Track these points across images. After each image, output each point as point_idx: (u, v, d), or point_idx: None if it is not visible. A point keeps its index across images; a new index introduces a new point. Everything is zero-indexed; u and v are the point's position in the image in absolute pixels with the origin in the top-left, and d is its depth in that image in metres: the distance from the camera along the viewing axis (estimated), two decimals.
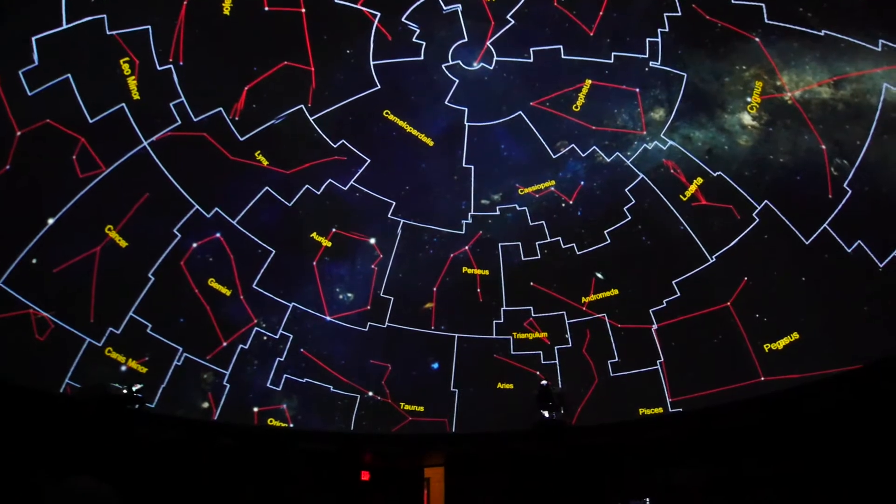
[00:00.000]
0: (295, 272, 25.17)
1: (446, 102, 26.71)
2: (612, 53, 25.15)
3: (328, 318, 25.13)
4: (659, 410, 24.48)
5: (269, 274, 24.59)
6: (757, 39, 21.67)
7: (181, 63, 22.61)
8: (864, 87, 20.23)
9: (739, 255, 23.77)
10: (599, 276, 27.06)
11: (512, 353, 25.87)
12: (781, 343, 22.50)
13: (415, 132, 26.64)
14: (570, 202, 26.70)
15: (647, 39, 24.24)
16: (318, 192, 25.79)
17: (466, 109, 26.93)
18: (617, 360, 25.96)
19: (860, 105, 20.42)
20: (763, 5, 21.33)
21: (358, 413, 24.35)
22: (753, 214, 23.09)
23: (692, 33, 23.25)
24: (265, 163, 24.56)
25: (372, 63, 25.48)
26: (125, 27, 21.34)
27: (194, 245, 23.54)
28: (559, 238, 26.95)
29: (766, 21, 21.48)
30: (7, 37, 19.34)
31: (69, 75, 20.59)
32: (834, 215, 21.11)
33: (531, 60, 26.19)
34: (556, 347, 26.10)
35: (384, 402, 24.43)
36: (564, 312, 26.71)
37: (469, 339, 25.86)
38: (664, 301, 25.50)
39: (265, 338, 24.25)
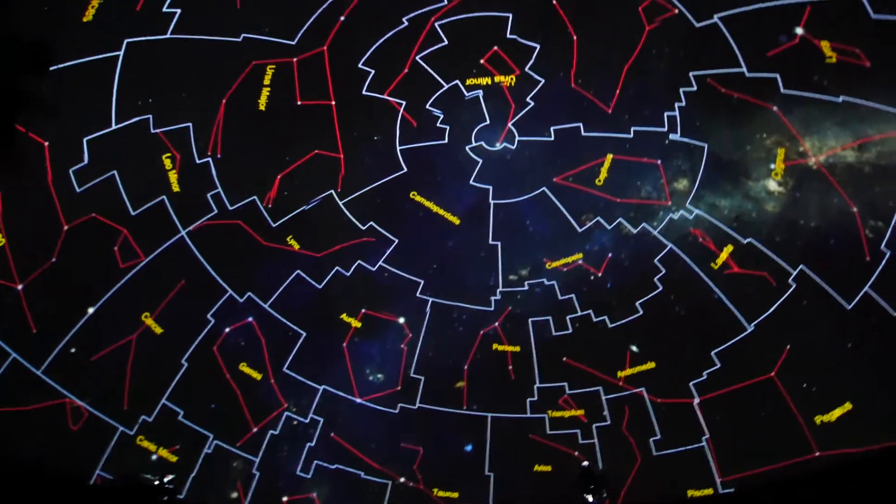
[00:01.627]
0: (325, 354, 25.11)
1: (471, 182, 26.94)
2: (632, 128, 25.52)
3: (358, 399, 24.76)
4: (709, 491, 22.96)
5: (299, 357, 24.59)
6: (775, 108, 22.08)
7: (219, 156, 23.87)
8: (889, 148, 20.34)
9: (779, 322, 23.08)
10: (634, 349, 26.35)
11: (548, 432, 24.81)
12: (835, 414, 21.55)
13: (441, 211, 26.77)
14: (599, 274, 26.31)
15: (666, 113, 24.66)
16: (348, 274, 25.96)
17: (491, 187, 27.10)
18: (659, 437, 24.72)
19: (888, 166, 20.48)
20: (777, 76, 21.77)
21: (390, 500, 23.40)
22: (789, 280, 22.69)
23: (710, 105, 23.61)
24: (297, 247, 25.16)
25: (399, 147, 26.24)
26: (168, 125, 22.82)
27: (227, 330, 23.77)
28: (590, 311, 26.35)
29: (781, 91, 21.92)
30: (60, 138, 20.80)
31: (115, 171, 21.88)
32: (875, 278, 20.65)
33: (552, 139, 26.49)
34: (593, 425, 24.99)
35: (416, 488, 23.55)
36: (601, 388, 25.78)
37: (503, 418, 25.01)
38: (704, 373, 24.49)
39: (295, 422, 23.89)
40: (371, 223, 26.50)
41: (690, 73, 23.79)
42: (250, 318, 23.92)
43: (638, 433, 24.94)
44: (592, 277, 26.40)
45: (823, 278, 21.72)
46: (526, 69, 26.24)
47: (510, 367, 26.17)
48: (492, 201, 27.20)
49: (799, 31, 21.44)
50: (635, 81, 25.22)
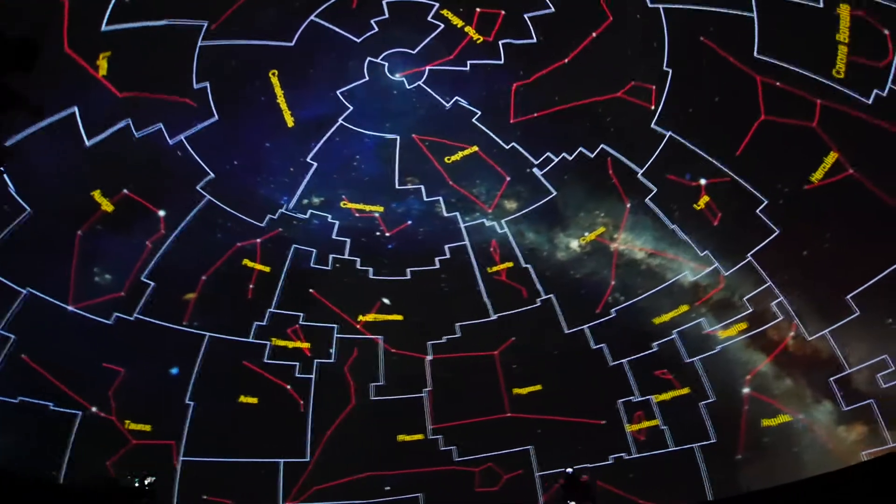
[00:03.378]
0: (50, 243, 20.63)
1: (337, 91, 24.50)
2: (513, 144, 25.01)
3: (71, 307, 21.18)
4: (420, 436, 24.89)
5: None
6: (628, 205, 23.87)
7: None
8: (670, 265, 23.56)
9: (515, 321, 25.40)
10: (386, 301, 26.34)
11: (265, 360, 24.19)
12: (526, 390, 25.16)
13: (283, 104, 23.76)
14: (387, 234, 26.01)
15: (562, 154, 24.42)
16: (136, 136, 21.12)
17: (352, 108, 24.94)
18: (382, 383, 25.71)
19: (650, 271, 24.32)
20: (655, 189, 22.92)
21: (77, 435, 20.66)
22: (538, 300, 25.07)
23: (589, 173, 24.31)
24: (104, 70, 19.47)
25: (307, 19, 22.52)
26: None
27: None
28: (357, 258, 25.60)
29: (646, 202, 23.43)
30: None
31: None
32: (594, 323, 24.21)
33: (447, 105, 25.14)
34: (315, 360, 24.90)
35: (108, 418, 21.53)
36: (336, 326, 25.59)
37: (222, 340, 23.68)
38: (444, 337, 25.78)
39: None
40: (206, 84, 22.09)
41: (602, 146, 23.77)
42: None
43: (360, 377, 25.89)
44: (378, 233, 26.25)
45: (562, 308, 24.63)
46: (499, 42, 23.39)
47: (251, 286, 24.63)
48: (340, 120, 25.26)
49: None
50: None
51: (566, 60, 21.92)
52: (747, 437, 20.53)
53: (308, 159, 24.88)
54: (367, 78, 24.61)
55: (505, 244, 25.79)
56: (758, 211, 19.33)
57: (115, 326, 21.44)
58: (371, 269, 25.72)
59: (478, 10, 23.00)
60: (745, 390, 20.99)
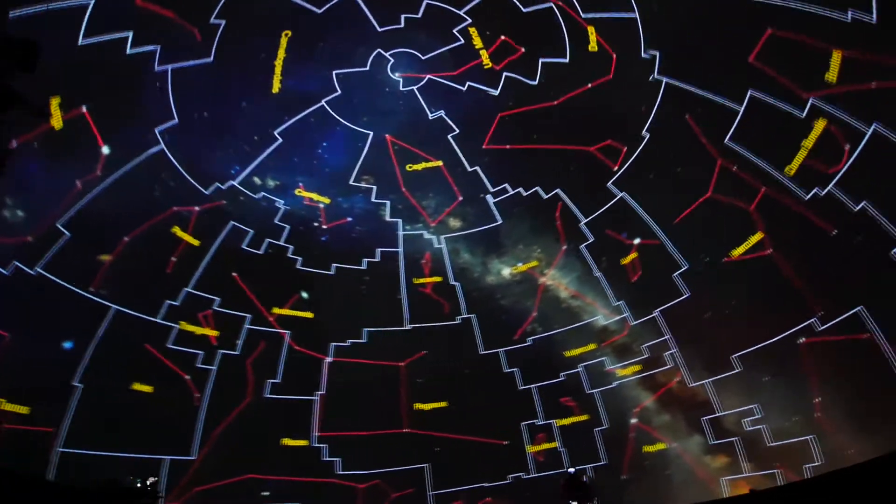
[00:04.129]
0: None
1: (334, 72, 23.84)
2: (476, 168, 25.59)
3: None
4: (304, 442, 23.99)
5: None
6: (564, 247, 25.58)
7: None
8: (587, 308, 25.95)
9: (430, 334, 25.85)
10: (304, 295, 25.25)
11: (168, 345, 21.96)
12: (429, 406, 25.70)
13: (279, 68, 22.58)
14: (325, 226, 25.35)
15: (518, 189, 25.39)
16: (128, 52, 18.87)
17: (339, 93, 24.25)
18: (279, 381, 24.49)
19: (568, 310, 26.59)
20: (592, 239, 24.74)
21: None
22: (458, 318, 26.04)
23: (539, 214, 25.50)
24: None
25: None
26: None
27: None
28: (291, 246, 24.46)
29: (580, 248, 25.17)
30: None
31: None
32: (511, 346, 25.66)
33: (431, 116, 25.15)
34: (220, 351, 23.18)
35: None
36: (250, 316, 23.97)
37: (128, 315, 20.95)
38: (348, 341, 25.44)
39: None
40: (223, 22, 20.66)
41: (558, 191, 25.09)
42: None
43: (260, 372, 24.34)
44: (316, 224, 25.63)
45: (480, 329, 25.76)
46: (504, 73, 23.77)
47: (174, 259, 22.28)
48: (324, 102, 24.42)
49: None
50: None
51: (555, 103, 23.13)
52: (632, 460, 23.45)
53: (276, 132, 23.61)
54: (368, 68, 24.17)
55: (438, 259, 26.32)
56: (675, 274, 22.20)
57: (10, 278, 18.09)
58: (301, 259, 24.78)
59: (502, 37, 23.58)
60: (633, 420, 24.02)
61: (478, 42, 23.09)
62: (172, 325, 22.01)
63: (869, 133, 15.81)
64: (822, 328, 18.55)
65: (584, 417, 24.46)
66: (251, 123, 23.13)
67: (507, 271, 26.91)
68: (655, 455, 23.04)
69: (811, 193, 18.35)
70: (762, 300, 20.51)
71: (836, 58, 15.42)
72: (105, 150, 19.64)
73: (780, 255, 19.65)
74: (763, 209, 19.88)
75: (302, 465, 23.50)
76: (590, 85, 22.09)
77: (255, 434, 23.28)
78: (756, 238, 20.25)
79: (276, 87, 22.71)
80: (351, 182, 25.28)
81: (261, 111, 23.11)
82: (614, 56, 21.44)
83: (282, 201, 24.19)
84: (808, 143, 17.67)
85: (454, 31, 23.22)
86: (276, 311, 24.69)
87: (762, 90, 17.83)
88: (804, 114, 17.30)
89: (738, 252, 20.76)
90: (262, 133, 23.18)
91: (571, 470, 20.51)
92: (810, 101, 16.89)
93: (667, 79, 20.42)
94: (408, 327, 25.83)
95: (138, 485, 16.95)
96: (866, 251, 17.15)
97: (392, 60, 24.27)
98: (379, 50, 23.86)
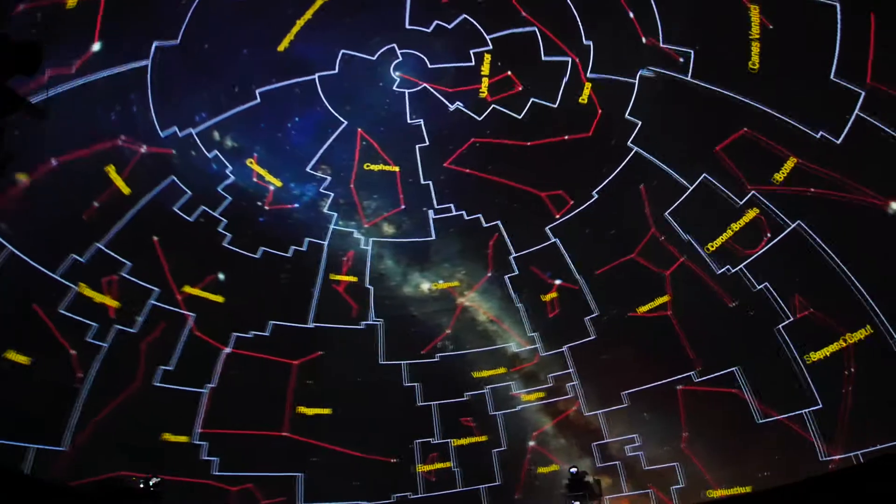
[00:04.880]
0: None
1: (342, 51, 23.45)
2: (429, 182, 25.95)
3: None
4: (184, 438, 21.93)
5: None
6: (489, 273, 26.91)
7: None
8: (502, 333, 27.14)
9: (331, 337, 25.35)
10: (221, 276, 23.11)
11: (60, 310, 18.93)
12: (313, 412, 24.63)
13: (296, 28, 21.63)
14: (266, 208, 24.04)
15: (463, 211, 26.14)
16: None
17: (336, 72, 23.62)
18: (172, 368, 22.07)
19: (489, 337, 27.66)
20: (518, 272, 26.35)
21: None
22: (363, 323, 26.07)
23: (468, 237, 26.43)
24: None
25: None
26: None
27: None
28: (225, 221, 22.76)
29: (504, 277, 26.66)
30: None
31: None
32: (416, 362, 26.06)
33: (408, 121, 25.01)
34: (115, 326, 20.55)
35: None
36: (158, 291, 21.47)
37: (21, 263, 17.60)
38: (251, 332, 23.94)
39: None
40: None
41: (498, 223, 26.23)
42: None
43: (154, 355, 21.74)
44: (260, 203, 24.22)
45: (386, 338, 25.92)
46: (493, 105, 24.42)
47: (96, 204, 19.27)
48: (316, 75, 23.59)
49: None
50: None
51: (528, 144, 24.30)
52: (525, 481, 24.77)
53: (258, 91, 22.28)
54: (374, 58, 23.77)
55: (360, 259, 26.11)
56: (586, 318, 24.45)
57: None
58: (230, 236, 23.06)
59: (509, 72, 24.19)
60: (531, 443, 25.44)
61: (486, 69, 23.72)
62: (71, 285, 18.66)
63: (790, 228, 19.13)
64: (699, 380, 21.81)
65: (482, 438, 25.26)
66: (238, 72, 21.55)
67: (426, 286, 27.26)
68: (548, 475, 24.98)
69: (722, 269, 21.25)
70: (654, 351, 23.29)
71: (790, 163, 18.33)
72: (96, 46, 17.01)
73: (679, 317, 22.57)
74: (676, 276, 22.59)
75: (180, 464, 21.20)
76: (566, 137, 23.60)
77: (135, 426, 20.50)
78: (663, 300, 22.95)
79: (284, 44, 21.59)
80: (308, 169, 24.32)
81: (254, 65, 21.72)
82: (599, 113, 22.98)
83: (231, 169, 22.54)
84: (736, 226, 20.28)
85: (471, 51, 23.70)
86: (188, 289, 22.36)
87: (715, 176, 20.52)
88: (741, 203, 20.07)
89: (643, 309, 23.45)
90: (245, 88, 21.69)
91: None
92: (751, 193, 19.78)
93: (637, 148, 22.50)
94: (311, 325, 24.93)
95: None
96: (754, 323, 20.39)
97: (399, 59, 24.10)
98: (394, 45, 23.65)
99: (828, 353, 18.98)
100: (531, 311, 25.98)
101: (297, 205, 24.64)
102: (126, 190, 19.43)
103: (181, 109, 20.57)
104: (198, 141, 21.15)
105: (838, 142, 17.27)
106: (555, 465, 25.03)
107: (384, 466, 24.61)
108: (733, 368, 21.21)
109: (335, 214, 25.34)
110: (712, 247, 21.54)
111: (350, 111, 24.37)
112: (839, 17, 17.20)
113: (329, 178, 24.86)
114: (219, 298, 22.98)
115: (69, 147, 17.66)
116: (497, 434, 25.41)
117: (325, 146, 24.34)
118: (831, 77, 17.48)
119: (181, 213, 21.10)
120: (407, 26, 23.23)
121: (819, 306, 19.26)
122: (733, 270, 21.13)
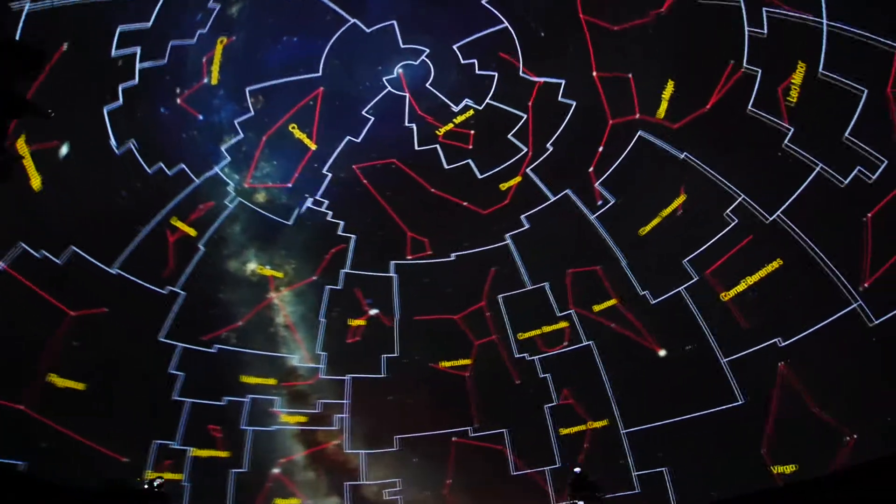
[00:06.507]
0: None
1: (394, 21, 22.88)
2: (329, 174, 24.67)
3: None
4: None
5: None
6: (314, 278, 25.72)
7: None
8: (292, 342, 25.69)
9: (125, 291, 20.61)
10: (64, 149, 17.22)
11: None
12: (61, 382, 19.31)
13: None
14: (178, 100, 20.57)
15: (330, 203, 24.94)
16: None
17: (367, 32, 22.49)
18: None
19: (277, 342, 25.76)
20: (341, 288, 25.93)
21: None
22: (166, 287, 22.28)
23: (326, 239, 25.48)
24: None
25: None
26: None
27: None
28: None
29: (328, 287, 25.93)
30: None
31: None
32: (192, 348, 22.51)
33: (367, 111, 23.79)
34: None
35: None
36: None
37: None
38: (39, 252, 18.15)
39: None
40: None
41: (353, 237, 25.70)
42: None
43: None
44: (178, 91, 20.35)
45: (178, 313, 22.27)
46: (470, 132, 24.62)
47: None
48: (354, 20, 22.15)
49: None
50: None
51: (431, 189, 24.88)
52: None
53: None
54: (402, 46, 22.91)
55: (213, 215, 22.15)
56: (383, 355, 24.54)
57: None
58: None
59: (472, 132, 24.51)
60: (276, 470, 22.98)
61: (459, 119, 24.13)
62: None
63: (583, 344, 24.43)
64: (473, 435, 24.49)
65: (224, 454, 22.09)
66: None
67: (253, 266, 24.16)
68: None
69: (521, 355, 24.84)
70: (438, 403, 25.09)
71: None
72: None
73: (473, 380, 25.09)
74: (485, 347, 25.27)
75: None
76: (465, 203, 25.11)
77: None
78: (465, 362, 25.23)
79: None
80: (247, 89, 20.92)
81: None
82: (504, 204, 25.09)
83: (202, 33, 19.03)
84: (547, 328, 24.59)
85: (466, 100, 24.01)
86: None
87: (554, 288, 25.03)
88: (559, 315, 24.74)
89: (446, 364, 25.26)
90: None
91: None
92: (571, 311, 24.89)
93: (510, 239, 25.19)
94: (113, 271, 19.84)
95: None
96: (529, 399, 24.23)
97: (415, 63, 23.26)
98: (427, 49, 22.96)
99: (573, 431, 23.82)
100: (331, 330, 25.09)
101: (202, 117, 20.49)
102: None
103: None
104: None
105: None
106: (295, 500, 22.75)
107: (113, 463, 19.30)
108: (503, 430, 24.19)
109: (228, 159, 21.94)
110: (522, 336, 25.37)
111: (332, 69, 22.56)
112: None
113: (252, 113, 21.68)
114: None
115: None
116: (241, 452, 22.64)
117: (280, 81, 21.52)
118: None
119: None
120: (454, 45, 23.02)
121: (577, 398, 24.25)
122: (529, 358, 25.15)
